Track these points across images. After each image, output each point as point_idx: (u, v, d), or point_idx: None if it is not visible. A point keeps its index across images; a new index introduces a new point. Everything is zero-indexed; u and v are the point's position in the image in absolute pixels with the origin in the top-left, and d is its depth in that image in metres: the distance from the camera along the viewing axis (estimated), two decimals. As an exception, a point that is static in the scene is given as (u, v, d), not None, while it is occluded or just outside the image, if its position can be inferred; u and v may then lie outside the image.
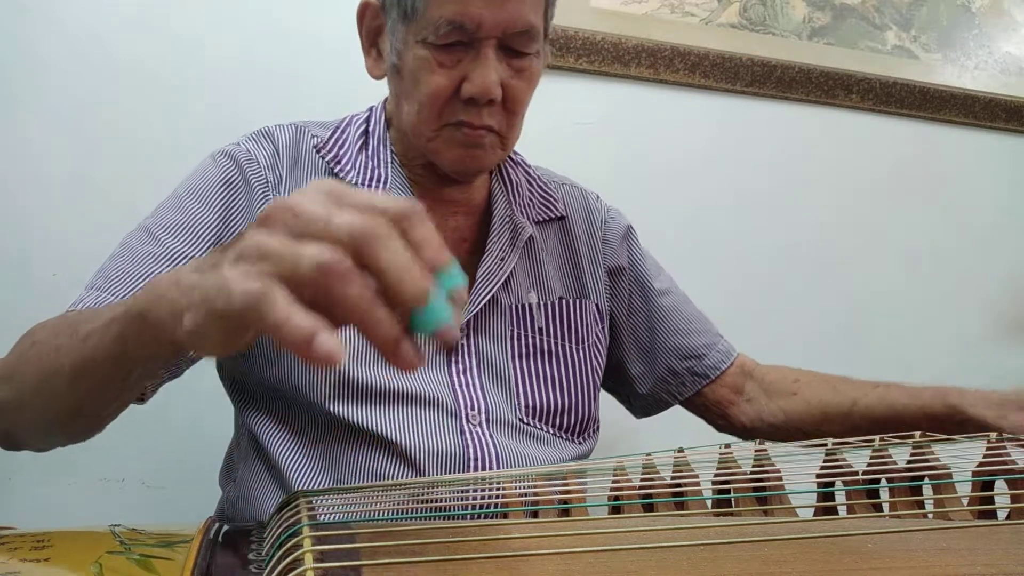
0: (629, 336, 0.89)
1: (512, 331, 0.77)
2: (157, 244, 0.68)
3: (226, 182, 0.72)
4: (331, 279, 0.33)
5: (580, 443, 0.79)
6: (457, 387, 0.73)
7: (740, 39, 1.32)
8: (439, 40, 0.67)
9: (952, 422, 0.70)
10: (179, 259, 0.67)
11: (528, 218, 0.82)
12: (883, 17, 1.42)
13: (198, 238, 0.69)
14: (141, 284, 0.65)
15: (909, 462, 0.51)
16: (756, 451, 0.54)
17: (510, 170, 0.84)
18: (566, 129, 1.24)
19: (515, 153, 0.87)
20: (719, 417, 0.89)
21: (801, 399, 0.84)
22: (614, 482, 0.48)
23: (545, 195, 0.86)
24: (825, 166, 1.40)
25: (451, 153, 0.72)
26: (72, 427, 0.56)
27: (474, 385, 0.74)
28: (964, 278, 1.48)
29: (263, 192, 0.73)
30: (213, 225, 0.70)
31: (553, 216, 0.85)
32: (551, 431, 0.77)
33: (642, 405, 0.91)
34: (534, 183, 0.86)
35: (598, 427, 0.83)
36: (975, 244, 1.49)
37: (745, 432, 0.88)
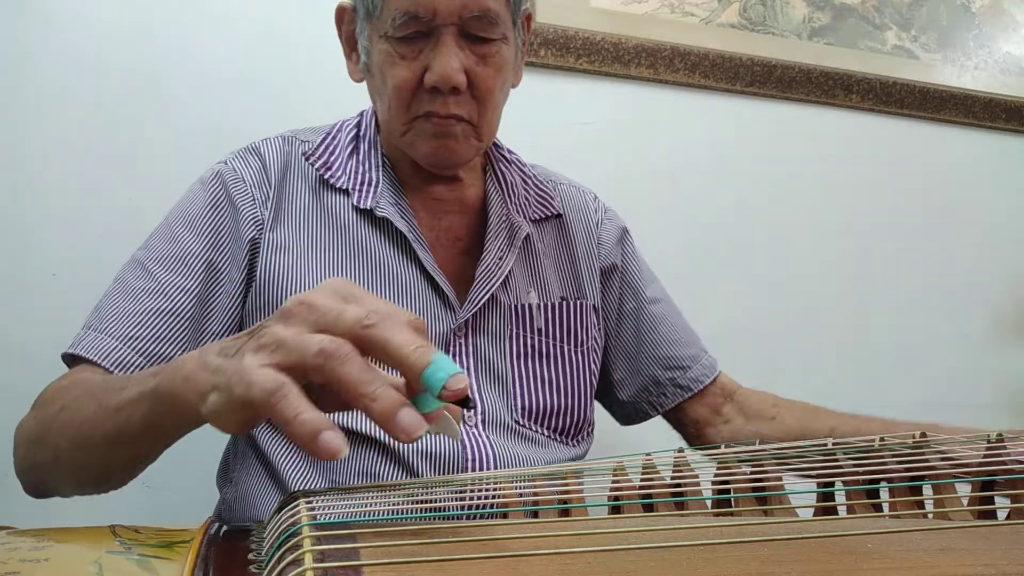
0: (615, 339, 0.88)
1: (511, 331, 0.77)
2: (150, 279, 0.69)
3: (213, 205, 0.73)
4: (331, 362, 0.36)
5: (574, 446, 0.79)
6: None
7: (740, 39, 1.32)
8: (397, 32, 0.68)
9: None
10: (172, 291, 0.69)
11: (525, 217, 0.82)
12: (883, 17, 1.42)
13: (188, 268, 0.70)
14: (135, 320, 0.67)
15: (909, 462, 0.51)
16: (755, 451, 0.54)
17: (504, 169, 0.84)
18: (566, 129, 1.24)
19: (509, 152, 0.87)
20: (695, 437, 0.89)
21: (780, 423, 0.83)
22: (614, 482, 0.48)
23: (541, 193, 0.86)
24: (825, 166, 1.40)
25: (424, 146, 0.72)
26: (103, 484, 0.60)
27: (471, 386, 0.73)
28: (964, 278, 1.48)
29: (251, 211, 0.73)
30: (202, 252, 0.71)
31: (550, 214, 0.85)
32: (546, 433, 0.77)
33: (623, 413, 0.91)
34: (530, 181, 0.86)
35: (592, 430, 0.83)
36: (975, 244, 1.49)
37: None
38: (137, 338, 0.67)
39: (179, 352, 0.68)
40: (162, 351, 0.67)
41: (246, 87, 1.09)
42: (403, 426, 0.36)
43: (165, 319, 0.68)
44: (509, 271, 0.78)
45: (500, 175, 0.83)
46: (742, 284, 1.34)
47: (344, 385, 0.37)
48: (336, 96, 1.06)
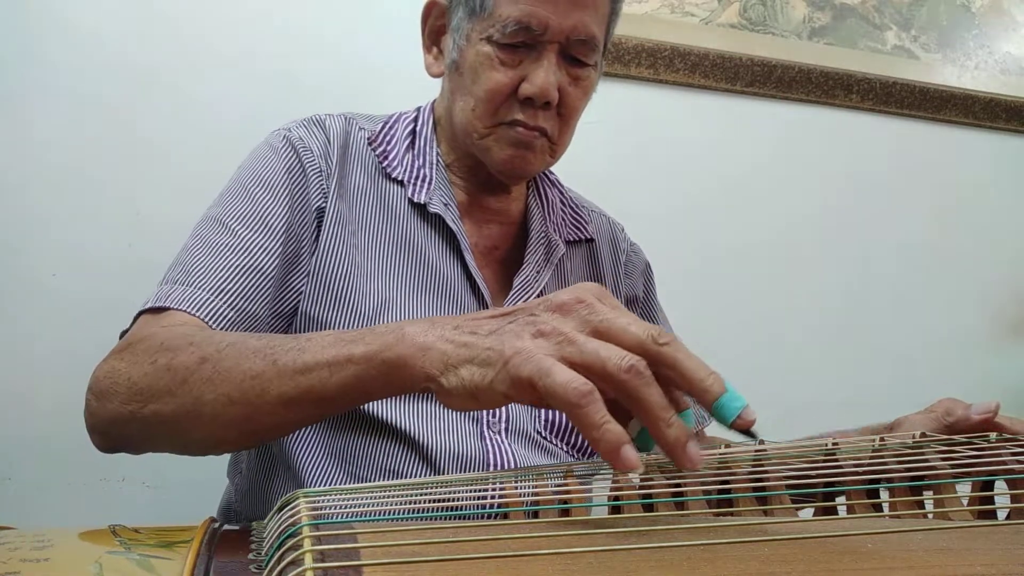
0: None
1: None
2: (232, 235, 0.68)
3: (288, 169, 0.73)
4: (638, 380, 0.39)
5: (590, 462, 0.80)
6: None
7: (740, 39, 1.32)
8: (504, 39, 0.69)
9: None
10: (255, 250, 0.68)
11: (560, 236, 0.83)
12: (883, 17, 1.42)
13: (270, 229, 0.69)
14: (223, 275, 0.65)
15: (909, 462, 0.51)
16: (756, 451, 0.53)
17: (547, 189, 0.86)
18: (566, 129, 1.24)
19: (551, 172, 0.89)
20: None
21: None
22: (614, 482, 0.48)
23: (577, 217, 0.88)
24: (825, 166, 1.40)
25: (502, 152, 0.73)
26: (239, 443, 0.59)
27: None
28: (964, 278, 1.48)
29: (318, 180, 0.73)
30: (282, 215, 0.70)
31: (583, 238, 0.86)
32: (564, 448, 0.77)
33: None
34: (567, 204, 0.88)
35: None
36: (975, 244, 1.49)
37: None
38: (227, 291, 0.65)
39: (265, 311, 0.67)
40: (251, 309, 0.66)
41: (255, 81, 1.09)
42: (691, 455, 0.39)
43: (251, 276, 0.67)
44: (544, 286, 0.79)
45: (543, 193, 0.85)
46: (740, 283, 1.34)
47: (646, 405, 0.39)
48: (346, 88, 1.06)
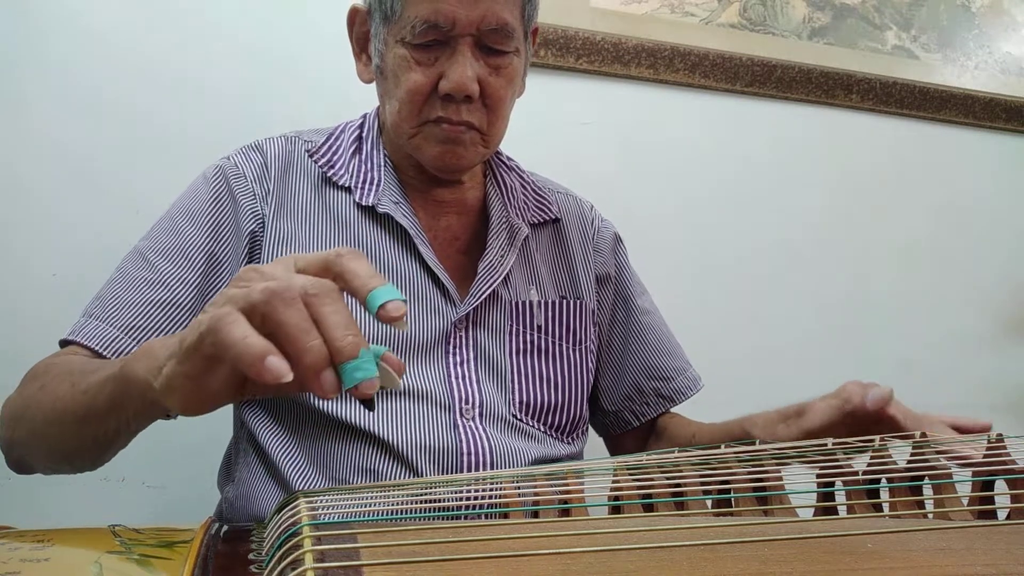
0: (604, 346, 0.89)
1: (511, 327, 0.78)
2: (151, 269, 0.71)
3: (215, 199, 0.75)
4: (275, 301, 0.38)
5: (569, 443, 0.80)
6: (453, 379, 0.73)
7: (740, 39, 1.32)
8: (416, 39, 0.69)
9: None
10: (172, 283, 0.70)
11: (523, 219, 0.83)
12: (883, 17, 1.42)
13: (189, 260, 0.71)
14: (137, 311, 0.68)
15: (909, 462, 0.51)
16: (756, 451, 0.54)
17: (504, 174, 0.86)
18: (566, 129, 1.24)
19: (508, 158, 0.89)
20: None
21: (666, 437, 0.88)
22: (614, 482, 0.48)
23: (539, 198, 0.87)
24: (825, 166, 1.40)
25: (432, 150, 0.73)
26: (75, 461, 0.61)
27: (470, 378, 0.74)
28: (963, 278, 1.48)
29: (250, 205, 0.75)
30: (204, 245, 0.72)
31: (547, 218, 0.86)
32: (542, 429, 0.77)
33: (603, 422, 0.92)
34: (528, 187, 0.88)
35: (587, 428, 0.84)
36: (974, 244, 1.49)
37: None
38: (138, 328, 0.68)
39: None
40: None
41: (259, 77, 1.09)
42: (322, 383, 0.38)
43: (166, 310, 0.69)
44: (509, 269, 0.79)
45: (500, 179, 0.85)
46: (739, 283, 1.34)
47: (283, 328, 0.38)
48: (349, 81, 1.05)
